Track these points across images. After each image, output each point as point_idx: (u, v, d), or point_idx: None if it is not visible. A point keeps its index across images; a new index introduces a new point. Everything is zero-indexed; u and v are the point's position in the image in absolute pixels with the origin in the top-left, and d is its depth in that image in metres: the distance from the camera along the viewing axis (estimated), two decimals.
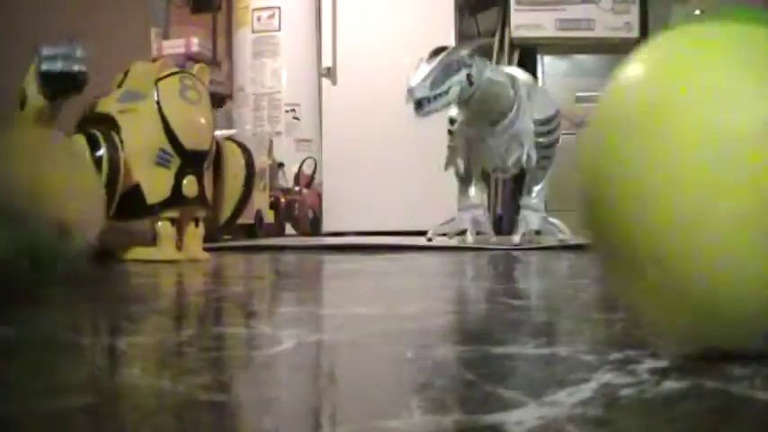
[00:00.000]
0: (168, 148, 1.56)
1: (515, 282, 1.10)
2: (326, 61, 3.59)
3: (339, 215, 3.50)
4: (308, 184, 3.46)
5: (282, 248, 2.12)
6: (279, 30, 3.67)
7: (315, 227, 3.47)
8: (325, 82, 3.61)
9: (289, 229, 3.32)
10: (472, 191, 2.15)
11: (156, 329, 0.64)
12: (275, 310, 0.78)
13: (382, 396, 0.38)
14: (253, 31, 3.70)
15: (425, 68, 1.84)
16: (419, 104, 1.82)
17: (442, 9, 3.49)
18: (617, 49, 3.63)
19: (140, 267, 1.39)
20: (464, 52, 1.87)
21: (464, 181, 2.15)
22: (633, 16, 3.51)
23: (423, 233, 2.23)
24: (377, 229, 3.25)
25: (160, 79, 1.60)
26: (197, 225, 1.67)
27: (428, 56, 1.88)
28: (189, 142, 1.58)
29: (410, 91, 1.82)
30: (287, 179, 3.45)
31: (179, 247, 1.62)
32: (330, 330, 0.61)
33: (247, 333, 0.60)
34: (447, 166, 2.13)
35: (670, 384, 0.38)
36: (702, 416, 0.34)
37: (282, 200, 3.21)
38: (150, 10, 2.81)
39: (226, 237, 2.70)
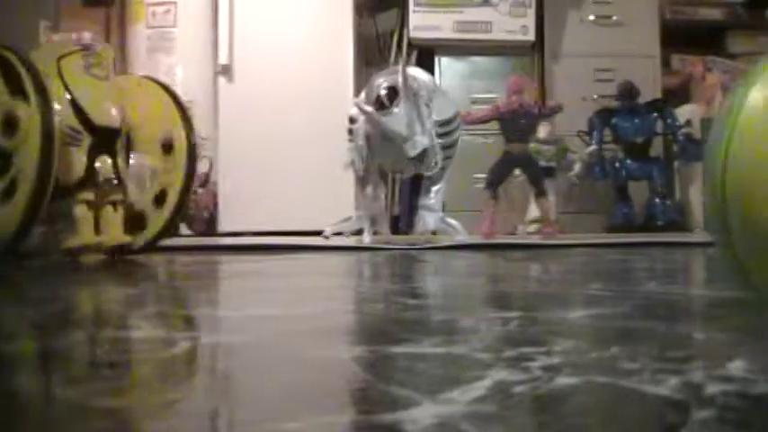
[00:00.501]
0: (76, 124, 1.47)
1: (412, 281, 1.10)
2: (223, 59, 3.55)
3: (235, 215, 3.45)
4: (204, 184, 3.41)
5: (178, 249, 2.08)
6: (174, 26, 3.60)
7: (211, 227, 3.42)
8: (222, 80, 3.56)
9: (184, 228, 3.27)
10: (370, 190, 2.16)
11: (45, 333, 0.62)
12: (170, 313, 0.76)
13: (279, 398, 0.38)
14: (147, 27, 3.62)
15: (400, 110, 1.88)
16: (421, 156, 1.87)
17: (340, 9, 3.49)
18: (513, 52, 3.70)
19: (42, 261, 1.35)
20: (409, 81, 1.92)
21: (362, 180, 2.16)
22: (529, 20, 3.57)
23: (320, 233, 2.22)
24: (274, 228, 3.22)
25: (62, 56, 1.52)
26: (115, 209, 1.56)
27: (384, 97, 1.91)
28: (98, 118, 1.50)
29: (409, 141, 1.86)
30: None
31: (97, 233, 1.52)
32: (226, 332, 0.60)
33: (141, 336, 0.59)
34: (347, 166, 2.13)
35: (562, 380, 0.39)
36: (594, 410, 0.34)
37: None
38: (39, 1, 2.72)
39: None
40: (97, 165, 1.49)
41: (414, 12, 3.59)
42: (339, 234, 2.18)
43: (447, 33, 3.59)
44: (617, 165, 3.42)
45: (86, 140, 1.48)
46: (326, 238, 2.13)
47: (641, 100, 3.44)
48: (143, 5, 3.63)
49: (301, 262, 1.52)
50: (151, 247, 1.72)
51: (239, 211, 3.43)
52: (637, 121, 3.41)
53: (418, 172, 2.11)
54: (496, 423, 0.32)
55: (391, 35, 3.66)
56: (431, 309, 0.74)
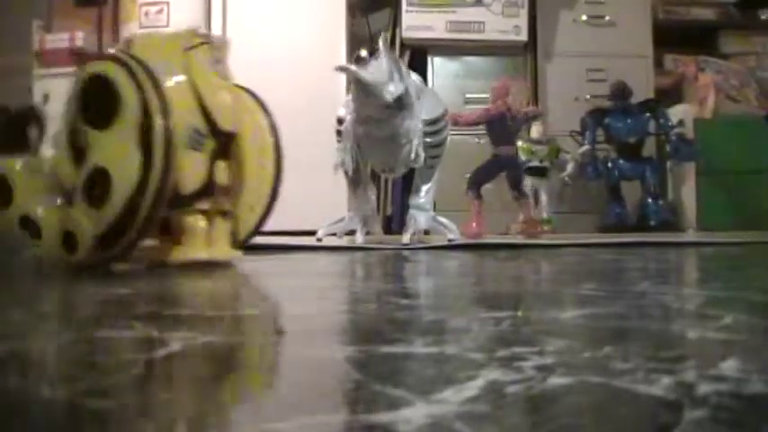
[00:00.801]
0: (203, 128, 1.35)
1: (404, 281, 1.10)
2: None
3: None
4: None
5: None
6: (167, 25, 3.60)
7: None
8: None
9: None
10: (361, 191, 2.16)
11: (35, 333, 0.62)
12: (162, 313, 0.76)
13: (270, 398, 0.38)
14: (140, 26, 3.61)
15: (379, 67, 1.86)
16: (399, 101, 1.84)
17: (333, 9, 3.49)
18: (506, 52, 3.70)
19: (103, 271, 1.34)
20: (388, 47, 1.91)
21: (353, 181, 2.16)
22: (522, 20, 3.58)
23: (312, 233, 2.22)
24: (266, 229, 3.22)
25: (190, 49, 1.38)
26: (224, 220, 1.45)
27: (364, 52, 1.90)
28: (224, 121, 1.38)
29: (385, 88, 1.84)
30: None
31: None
32: (218, 332, 0.60)
33: (132, 336, 0.58)
34: (336, 167, 2.13)
35: (555, 380, 0.39)
36: (587, 410, 0.34)
37: None
38: (31, 1, 2.71)
39: None
40: (217, 170, 1.38)
41: (407, 12, 3.59)
42: (332, 235, 2.18)
43: (440, 33, 3.60)
44: (610, 165, 3.42)
45: (209, 145, 1.37)
46: (319, 240, 2.12)
47: (634, 100, 3.45)
48: (136, 5, 3.63)
49: (294, 262, 1.52)
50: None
51: None
52: (629, 121, 3.42)
53: (407, 169, 2.11)
54: (489, 423, 0.32)
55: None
56: (423, 308, 0.74)
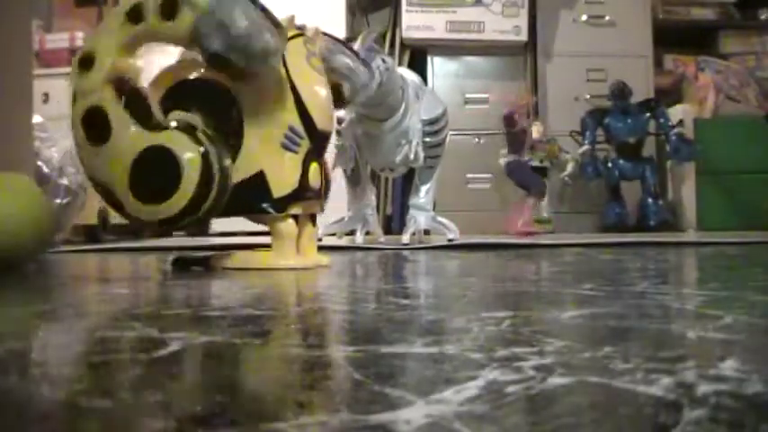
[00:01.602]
0: (299, 127, 1.27)
1: (404, 281, 1.10)
2: None
3: None
4: None
5: (169, 249, 2.08)
6: None
7: (203, 226, 3.42)
8: None
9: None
10: (361, 191, 2.16)
11: (35, 333, 0.62)
12: (161, 312, 0.76)
13: (269, 397, 0.38)
14: None
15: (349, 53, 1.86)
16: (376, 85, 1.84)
17: (333, 8, 3.49)
18: (506, 52, 3.70)
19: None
20: (372, 37, 1.89)
21: (353, 180, 2.16)
22: (522, 20, 3.58)
23: None
24: (266, 228, 3.22)
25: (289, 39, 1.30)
26: (314, 223, 1.40)
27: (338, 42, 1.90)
28: (321, 121, 1.29)
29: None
30: None
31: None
32: (218, 332, 0.60)
33: (132, 335, 0.58)
34: (335, 166, 2.13)
35: (555, 380, 0.39)
36: (586, 410, 0.34)
37: None
38: (32, 0, 2.71)
39: (110, 237, 2.63)
40: (311, 171, 1.29)
41: (406, 11, 3.59)
42: (332, 235, 2.19)
43: (440, 33, 3.60)
44: (609, 165, 3.43)
45: (304, 145, 1.28)
46: (319, 240, 2.13)
47: (634, 100, 3.46)
48: None
49: None
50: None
51: None
52: (629, 121, 3.42)
53: (407, 169, 2.11)
54: (489, 423, 0.32)
55: (384, 35, 3.67)
56: (423, 308, 0.74)
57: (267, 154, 1.24)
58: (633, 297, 0.78)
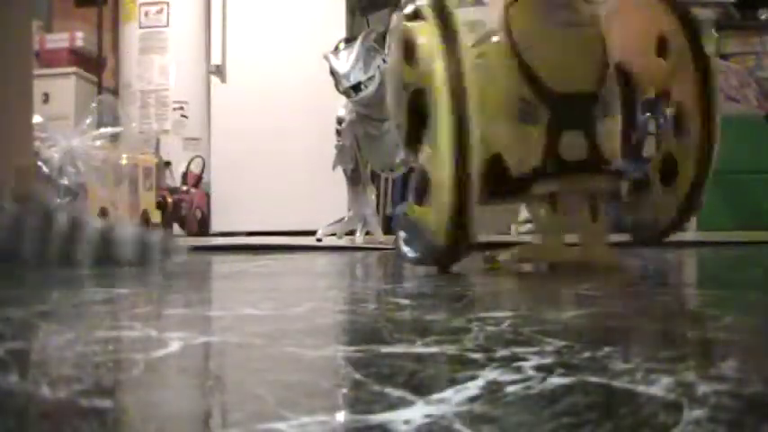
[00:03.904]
0: (529, 95, 1.12)
1: (404, 281, 1.10)
2: (216, 59, 3.54)
3: (228, 215, 3.45)
4: (197, 184, 3.41)
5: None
6: (167, 25, 3.60)
7: (203, 227, 3.42)
8: (215, 80, 3.56)
9: (176, 229, 3.26)
10: (361, 191, 2.16)
11: (35, 333, 0.62)
12: (161, 313, 0.76)
13: (270, 398, 0.38)
14: (140, 27, 3.61)
15: (349, 53, 1.86)
16: (356, 88, 1.83)
17: (332, 9, 3.49)
18: None
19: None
20: (373, 36, 1.90)
21: (353, 181, 2.16)
22: None
23: (313, 233, 2.22)
24: (266, 229, 3.22)
25: (512, 3, 1.18)
26: (594, 206, 1.15)
27: (343, 43, 1.91)
28: (559, 83, 1.12)
29: (345, 76, 1.84)
30: (174, 178, 3.39)
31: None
32: (218, 332, 0.60)
33: (132, 336, 0.58)
34: (335, 166, 2.13)
35: (555, 380, 0.39)
36: (586, 410, 0.34)
37: (169, 199, 3.15)
38: (32, 0, 2.71)
39: None
40: (562, 142, 1.10)
41: None
42: (332, 235, 2.19)
43: None
44: None
45: (543, 115, 1.11)
46: (319, 240, 2.13)
47: None
48: (136, 5, 3.63)
49: (293, 262, 1.52)
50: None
51: (232, 212, 3.43)
52: None
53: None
54: (489, 423, 0.32)
55: (384, 35, 3.66)
56: (423, 308, 0.74)
57: (501, 133, 1.15)
58: (633, 297, 0.78)
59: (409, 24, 1.13)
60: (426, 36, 1.08)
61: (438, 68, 1.02)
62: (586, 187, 1.14)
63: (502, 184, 1.12)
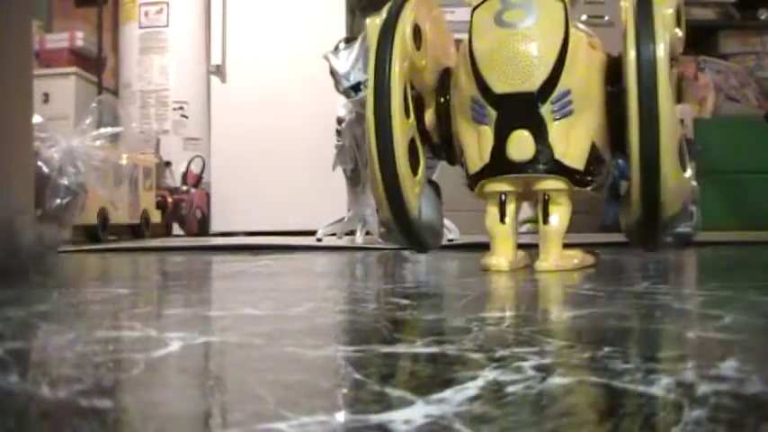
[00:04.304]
0: (478, 95, 1.15)
1: (404, 281, 1.10)
2: (216, 59, 3.55)
3: (228, 215, 3.45)
4: (197, 184, 3.41)
5: (170, 249, 2.08)
6: (167, 25, 3.60)
7: (203, 227, 3.42)
8: (215, 80, 3.56)
9: (176, 229, 3.26)
10: (361, 191, 2.16)
11: (35, 333, 0.62)
12: (161, 313, 0.76)
13: (270, 398, 0.38)
14: (140, 27, 3.61)
15: (349, 53, 1.86)
16: (356, 88, 1.83)
17: (332, 9, 3.49)
18: None
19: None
20: None
21: (353, 181, 2.16)
22: None
23: (312, 233, 2.22)
24: (266, 229, 3.22)
25: (477, 7, 1.20)
26: (552, 202, 1.15)
27: (343, 43, 1.91)
28: (498, 83, 1.13)
29: (345, 76, 1.84)
30: (174, 178, 3.39)
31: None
32: (218, 332, 0.60)
33: (132, 336, 0.58)
34: (335, 166, 2.13)
35: (555, 380, 0.39)
36: (586, 410, 0.34)
37: (169, 199, 3.15)
38: (32, 0, 2.71)
39: (111, 237, 2.63)
40: (509, 142, 1.12)
41: None
42: (332, 235, 2.19)
43: None
44: None
45: (491, 114, 1.13)
46: (319, 240, 2.13)
47: None
48: (136, 5, 3.63)
49: (293, 262, 1.52)
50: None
51: (232, 212, 3.44)
52: None
53: None
54: (489, 423, 0.32)
55: None
56: (423, 308, 0.74)
57: (464, 132, 1.22)
58: (633, 297, 0.78)
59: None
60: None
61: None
62: (537, 189, 1.15)
63: (469, 180, 1.19)
